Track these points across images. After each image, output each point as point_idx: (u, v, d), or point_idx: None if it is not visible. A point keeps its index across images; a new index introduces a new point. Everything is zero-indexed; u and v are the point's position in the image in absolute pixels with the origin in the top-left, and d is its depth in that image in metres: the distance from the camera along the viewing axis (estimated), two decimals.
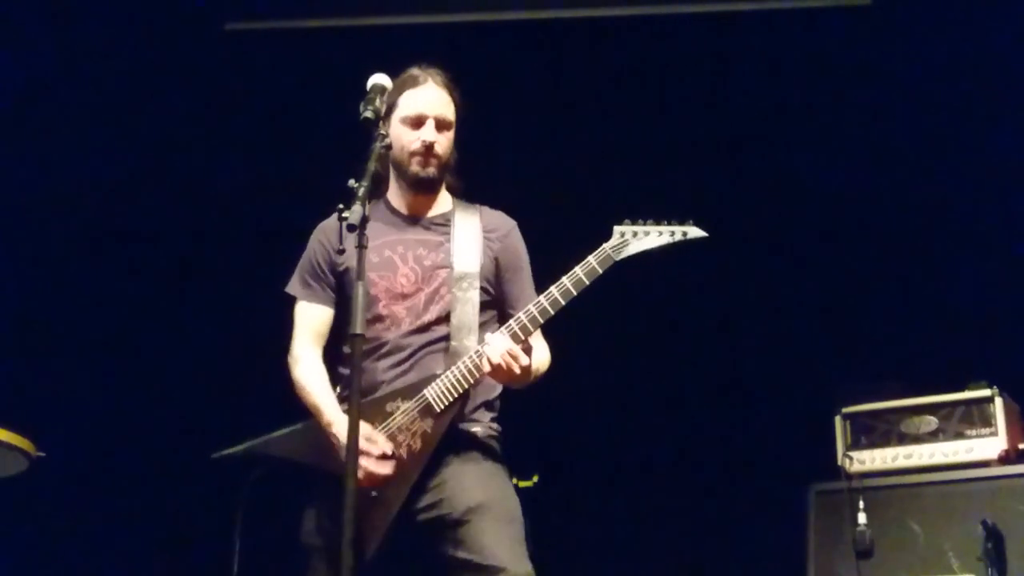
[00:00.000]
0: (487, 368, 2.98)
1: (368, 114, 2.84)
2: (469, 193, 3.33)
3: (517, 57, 5.09)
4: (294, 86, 5.14)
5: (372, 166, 2.80)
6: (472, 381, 3.04)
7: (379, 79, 2.93)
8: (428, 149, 3.16)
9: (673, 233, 3.11)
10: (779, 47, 4.99)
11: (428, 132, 3.16)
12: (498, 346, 2.97)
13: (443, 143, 3.19)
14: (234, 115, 5.11)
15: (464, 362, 3.04)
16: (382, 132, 2.87)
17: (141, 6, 5.00)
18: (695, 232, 3.12)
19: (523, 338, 3.01)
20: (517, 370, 2.97)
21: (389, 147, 2.94)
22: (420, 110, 3.16)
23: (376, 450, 3.00)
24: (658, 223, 3.11)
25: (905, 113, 4.92)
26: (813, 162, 4.98)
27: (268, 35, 5.22)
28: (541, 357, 3.18)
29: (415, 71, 3.22)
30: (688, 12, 5.09)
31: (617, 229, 3.10)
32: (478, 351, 3.02)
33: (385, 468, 3.00)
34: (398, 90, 3.17)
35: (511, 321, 3.04)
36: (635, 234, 3.09)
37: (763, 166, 5.04)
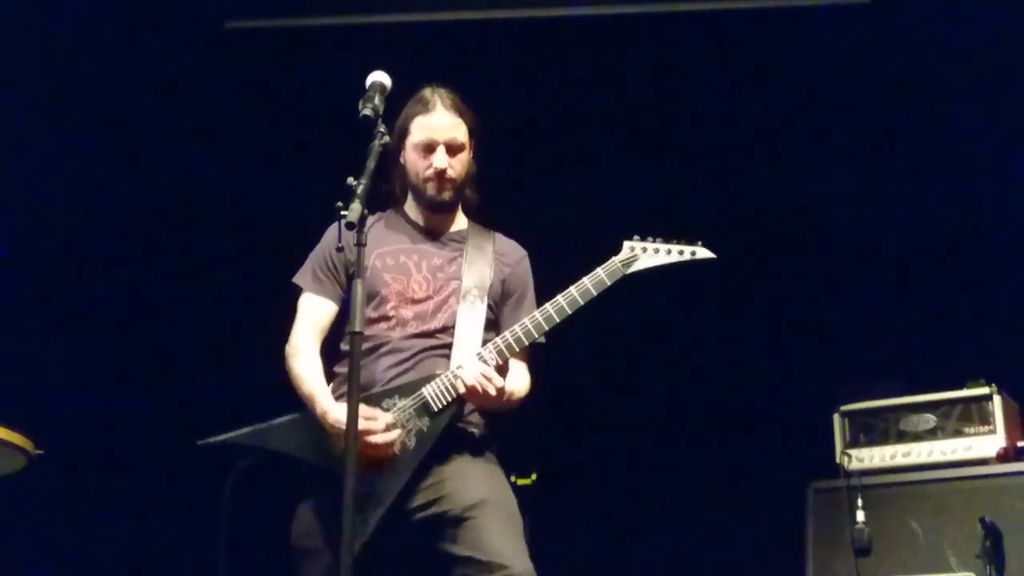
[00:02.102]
0: (462, 389, 3.01)
1: (367, 112, 2.85)
2: (485, 215, 3.37)
3: (524, 55, 5.08)
4: (294, 84, 5.14)
5: (371, 164, 2.81)
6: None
7: (378, 77, 2.93)
8: (440, 175, 3.20)
9: (682, 252, 3.22)
10: (776, 45, 4.98)
11: (440, 159, 3.19)
12: (472, 369, 3.01)
13: (456, 166, 3.23)
14: (234, 114, 5.11)
15: (454, 372, 3.06)
16: (381, 130, 2.87)
17: (141, 4, 5.00)
18: (703, 253, 3.23)
19: (500, 362, 3.06)
20: (492, 391, 3.00)
21: (387, 145, 2.94)
22: (430, 137, 3.19)
23: (379, 424, 2.99)
24: (667, 241, 3.22)
25: (903, 112, 4.92)
26: (812, 161, 4.98)
27: (269, 33, 5.22)
28: (519, 382, 3.19)
29: (425, 94, 3.24)
30: (685, 11, 5.08)
31: (627, 244, 3.20)
32: (454, 372, 3.05)
33: (391, 436, 2.99)
34: (409, 116, 3.22)
35: (488, 344, 3.09)
36: (644, 250, 3.19)
37: (762, 165, 5.04)
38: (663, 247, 3.20)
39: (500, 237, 3.36)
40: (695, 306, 5.00)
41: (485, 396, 3.01)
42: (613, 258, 3.17)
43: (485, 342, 3.14)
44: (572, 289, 3.12)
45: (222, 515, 3.19)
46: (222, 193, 5.10)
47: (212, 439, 3.12)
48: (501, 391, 3.03)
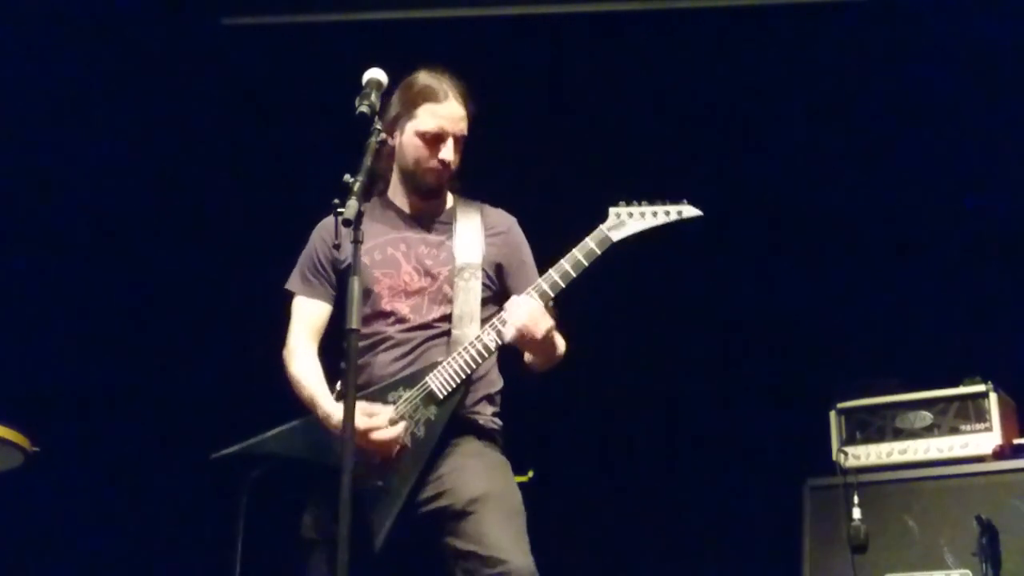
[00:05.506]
0: (511, 333, 2.98)
1: (364, 109, 2.83)
2: (468, 189, 3.33)
3: (514, 48, 5.08)
4: (291, 81, 5.14)
5: (368, 161, 2.80)
6: (476, 366, 3.05)
7: (374, 73, 2.91)
8: (445, 167, 3.18)
9: (668, 212, 3.15)
10: (772, 43, 4.98)
11: (448, 152, 3.16)
12: (523, 305, 2.99)
13: (457, 157, 3.20)
14: (231, 110, 5.11)
15: (467, 348, 3.05)
16: (377, 127, 2.85)
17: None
18: (690, 211, 3.16)
19: (543, 301, 3.03)
20: (542, 330, 2.98)
21: (384, 142, 2.93)
22: (442, 127, 3.15)
23: (381, 420, 2.99)
24: (652, 203, 3.15)
25: (901, 109, 4.92)
26: (810, 157, 4.98)
27: (265, 30, 5.22)
28: (559, 340, 3.18)
29: (433, 82, 3.17)
30: (681, 8, 5.09)
31: (613, 211, 3.14)
32: (500, 318, 3.02)
33: (395, 431, 2.99)
34: (414, 100, 3.16)
35: (531, 287, 3.07)
36: (631, 215, 3.13)
37: (760, 160, 5.03)
38: (648, 209, 3.13)
39: (487, 208, 3.32)
40: (692, 302, 5.01)
41: (535, 338, 2.98)
42: (600, 226, 3.11)
43: (484, 319, 3.12)
44: (563, 262, 3.08)
45: (236, 527, 3.18)
46: (217, 190, 5.09)
47: (224, 451, 3.12)
48: (550, 332, 3.01)
